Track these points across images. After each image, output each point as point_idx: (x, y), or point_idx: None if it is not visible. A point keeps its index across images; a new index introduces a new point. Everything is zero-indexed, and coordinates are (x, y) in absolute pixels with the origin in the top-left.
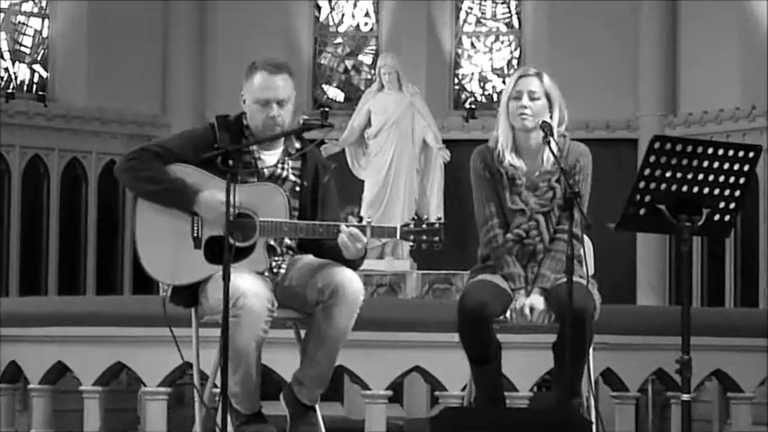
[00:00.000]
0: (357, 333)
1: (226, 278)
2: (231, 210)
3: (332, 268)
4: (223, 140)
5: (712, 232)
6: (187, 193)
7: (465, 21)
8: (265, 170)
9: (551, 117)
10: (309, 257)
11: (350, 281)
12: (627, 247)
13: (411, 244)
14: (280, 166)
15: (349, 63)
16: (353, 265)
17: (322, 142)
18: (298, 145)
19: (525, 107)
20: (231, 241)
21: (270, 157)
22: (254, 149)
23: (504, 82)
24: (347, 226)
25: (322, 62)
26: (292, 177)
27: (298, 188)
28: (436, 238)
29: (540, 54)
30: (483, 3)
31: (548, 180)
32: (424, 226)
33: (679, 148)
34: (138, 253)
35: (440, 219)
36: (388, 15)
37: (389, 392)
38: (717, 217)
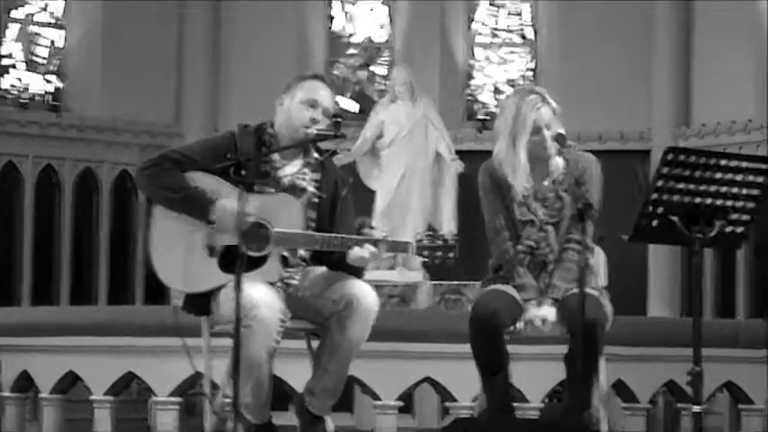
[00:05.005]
0: (368, 343)
1: (238, 288)
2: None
3: (347, 280)
4: (244, 149)
5: (724, 244)
6: (204, 201)
7: (478, 32)
8: (285, 180)
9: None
10: (322, 269)
11: (365, 294)
12: (638, 258)
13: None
14: (299, 176)
15: (362, 74)
16: (358, 272)
17: (334, 153)
18: (317, 155)
19: (546, 140)
20: (244, 251)
21: (290, 168)
22: (276, 160)
23: None
24: (363, 240)
25: (335, 73)
26: (311, 188)
27: (316, 199)
28: (450, 255)
29: (554, 65)
30: (497, 14)
31: (555, 191)
32: (439, 242)
33: (693, 159)
34: (151, 259)
35: (454, 235)
36: (401, 26)
37: (400, 403)
38: (729, 229)
